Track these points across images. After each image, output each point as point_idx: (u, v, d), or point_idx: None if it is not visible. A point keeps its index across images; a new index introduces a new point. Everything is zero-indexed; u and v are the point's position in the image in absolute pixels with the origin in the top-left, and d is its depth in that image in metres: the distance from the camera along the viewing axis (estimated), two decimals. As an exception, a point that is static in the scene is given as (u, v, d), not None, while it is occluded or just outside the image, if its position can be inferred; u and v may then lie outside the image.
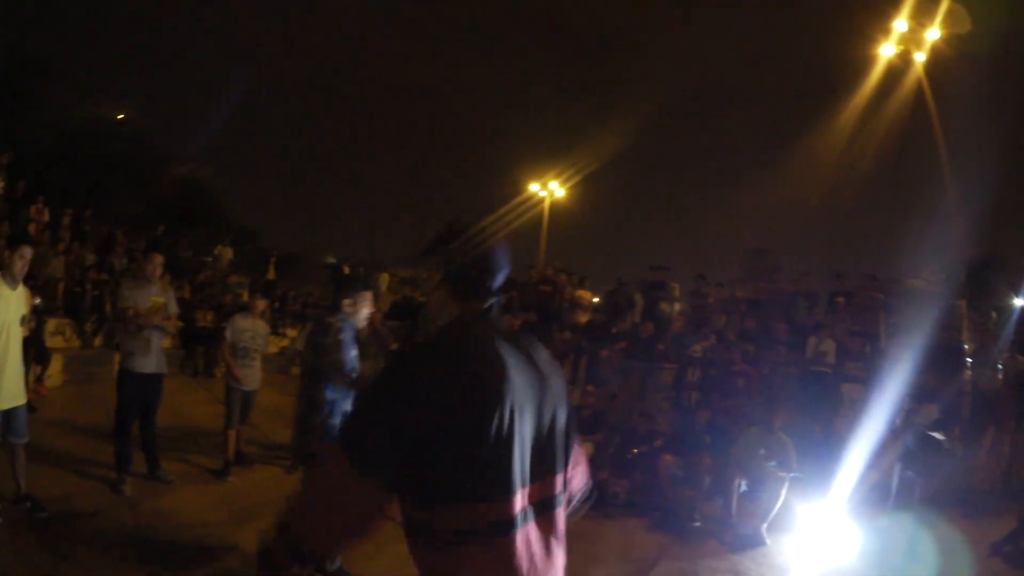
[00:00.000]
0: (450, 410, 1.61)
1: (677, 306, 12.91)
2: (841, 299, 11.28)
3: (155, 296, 6.04)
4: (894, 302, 11.19)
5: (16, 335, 4.93)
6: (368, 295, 5.10)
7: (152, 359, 6.00)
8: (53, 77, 25.12)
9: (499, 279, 1.94)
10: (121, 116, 27.43)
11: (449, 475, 1.61)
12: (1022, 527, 6.59)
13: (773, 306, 11.57)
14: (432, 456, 1.59)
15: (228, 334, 7.06)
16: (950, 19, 16.83)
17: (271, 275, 20.64)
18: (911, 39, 17.35)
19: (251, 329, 7.15)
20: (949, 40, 17.14)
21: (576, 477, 2.05)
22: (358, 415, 1.82)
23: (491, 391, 1.65)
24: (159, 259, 6.23)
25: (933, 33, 16.91)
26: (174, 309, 6.37)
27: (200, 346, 13.18)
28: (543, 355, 1.92)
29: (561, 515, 1.82)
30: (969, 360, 10.09)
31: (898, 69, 18.52)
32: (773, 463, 6.78)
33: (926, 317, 10.07)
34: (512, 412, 1.66)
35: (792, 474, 6.73)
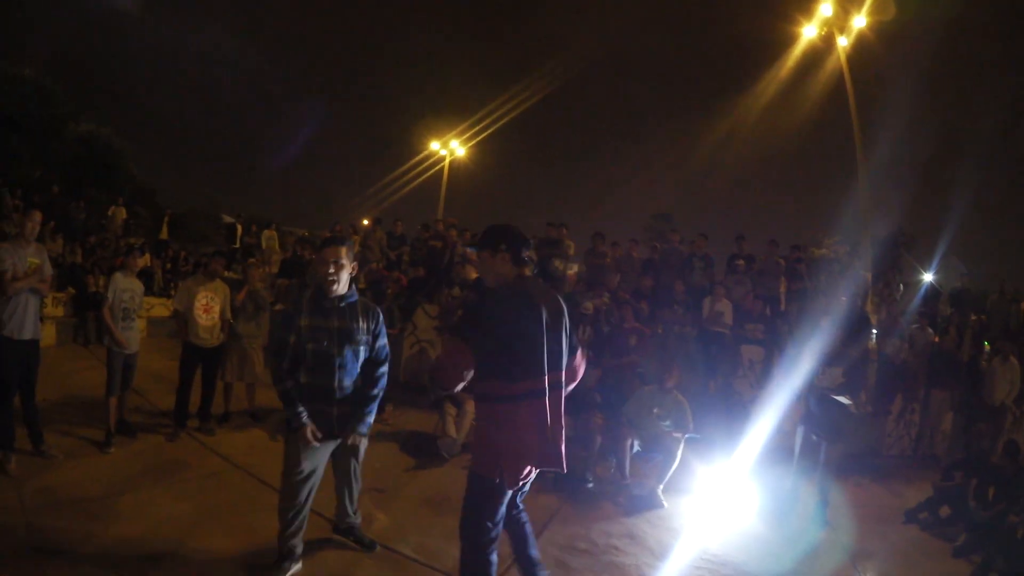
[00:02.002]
0: (516, 320, 3.16)
1: (575, 266, 12.84)
2: (741, 262, 11.34)
3: (31, 257, 5.73)
4: (797, 268, 11.32)
5: None
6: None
7: (29, 324, 5.69)
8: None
9: (529, 252, 3.41)
10: (25, 72, 26.07)
11: (511, 361, 3.14)
12: (937, 495, 6.70)
13: (669, 266, 11.58)
14: (505, 347, 3.14)
15: (109, 294, 6.62)
16: (875, 6, 17.14)
17: (164, 235, 20.17)
18: (835, 23, 17.62)
19: (130, 288, 6.74)
20: (873, 26, 17.48)
21: (576, 373, 3.54)
22: (467, 320, 3.61)
23: (537, 313, 3.19)
24: (38, 216, 5.90)
25: (859, 20, 17.21)
26: (49, 271, 5.96)
27: (92, 311, 12.44)
28: (560, 299, 3.42)
29: (562, 395, 3.35)
30: (875, 329, 10.30)
31: (819, 50, 18.81)
32: (668, 423, 6.69)
33: (830, 285, 10.24)
34: (545, 327, 3.20)
35: (688, 435, 6.66)
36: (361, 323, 4.17)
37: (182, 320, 7.12)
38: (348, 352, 4.09)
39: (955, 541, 6.09)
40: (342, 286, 4.09)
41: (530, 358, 3.14)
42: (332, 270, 4.04)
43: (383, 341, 4.31)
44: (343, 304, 4.12)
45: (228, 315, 7.40)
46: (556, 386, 3.25)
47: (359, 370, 4.18)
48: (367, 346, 4.21)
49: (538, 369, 3.15)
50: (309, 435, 3.98)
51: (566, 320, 3.38)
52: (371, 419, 4.26)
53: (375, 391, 4.27)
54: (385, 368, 4.33)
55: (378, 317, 4.29)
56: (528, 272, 3.36)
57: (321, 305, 4.07)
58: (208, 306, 7.17)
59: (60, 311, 12.51)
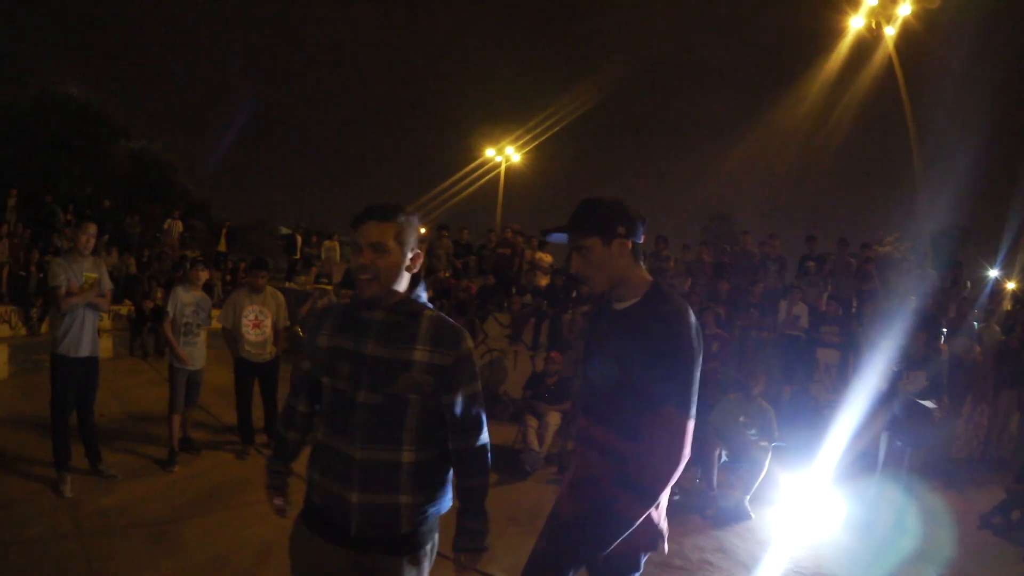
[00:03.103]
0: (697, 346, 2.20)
1: None
2: (812, 263, 11.07)
3: (87, 271, 5.55)
4: (866, 268, 11.05)
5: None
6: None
7: (86, 341, 5.52)
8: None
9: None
10: (72, 92, 26.72)
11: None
12: (1010, 498, 6.46)
13: (741, 269, 11.36)
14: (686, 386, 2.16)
15: (169, 309, 6.52)
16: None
17: (222, 247, 20.10)
18: (881, 12, 17.34)
19: (194, 303, 6.62)
20: (919, 14, 17.16)
21: None
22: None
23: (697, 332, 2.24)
24: (92, 229, 5.68)
25: (904, 9, 16.90)
26: (108, 285, 5.80)
27: (148, 323, 12.55)
28: None
29: None
30: (944, 329, 9.96)
31: (868, 42, 18.57)
32: (753, 431, 6.47)
33: (900, 284, 9.94)
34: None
35: (775, 443, 6.43)
36: (418, 351, 2.16)
37: (230, 337, 6.90)
38: (389, 403, 2.15)
39: (1028, 546, 5.89)
40: (385, 284, 2.17)
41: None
42: (366, 259, 2.16)
43: (469, 393, 2.27)
44: (387, 315, 2.21)
45: (285, 324, 7.20)
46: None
47: (415, 435, 2.18)
48: (427, 395, 2.17)
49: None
50: (274, 505, 2.46)
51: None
52: (479, 538, 2.39)
53: (471, 484, 2.34)
54: (478, 442, 2.31)
55: (458, 346, 2.21)
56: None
57: (352, 316, 2.25)
58: (257, 320, 6.92)
59: (115, 324, 12.68)
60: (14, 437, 6.67)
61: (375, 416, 2.16)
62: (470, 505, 2.36)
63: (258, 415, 7.08)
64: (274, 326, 7.05)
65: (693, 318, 2.19)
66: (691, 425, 2.10)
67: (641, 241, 2.32)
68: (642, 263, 2.33)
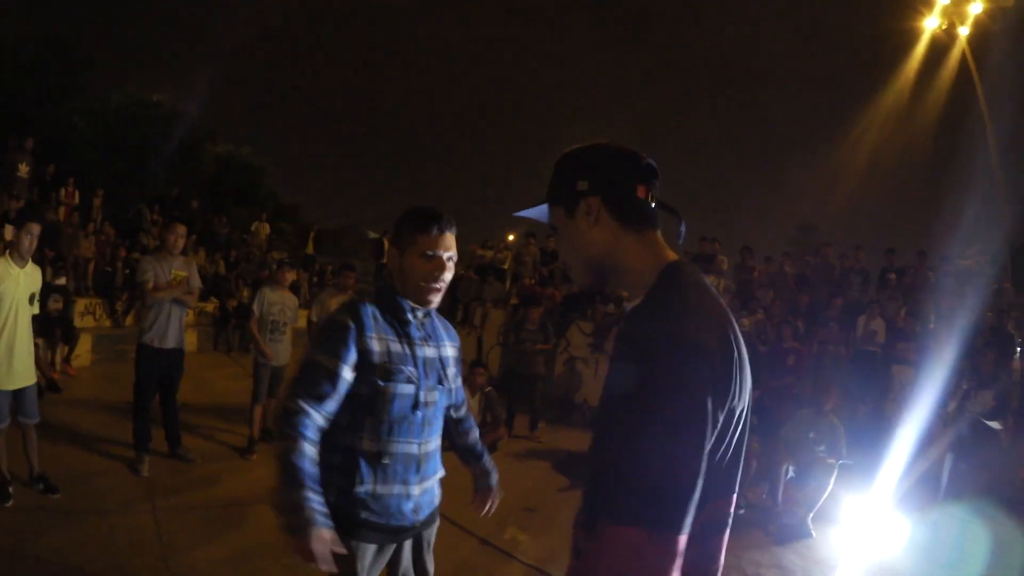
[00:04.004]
0: (694, 380, 1.17)
1: (722, 281, 12.69)
2: (893, 276, 10.90)
3: (177, 269, 5.87)
4: (944, 282, 10.81)
5: (25, 314, 4.72)
6: None
7: (172, 334, 5.84)
8: (87, 64, 25.41)
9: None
10: (157, 98, 27.68)
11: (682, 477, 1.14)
12: None
13: (824, 281, 11.24)
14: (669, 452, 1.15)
15: (256, 307, 6.85)
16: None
17: (310, 250, 20.49)
18: (954, 12, 16.94)
19: (280, 302, 6.93)
20: (992, 13, 16.72)
21: None
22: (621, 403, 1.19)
23: (724, 354, 1.25)
24: (181, 229, 6.01)
25: (975, 7, 16.52)
26: (197, 284, 6.13)
27: (232, 320, 13.15)
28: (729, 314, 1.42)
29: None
30: (1018, 348, 9.71)
31: (943, 43, 18.14)
32: (822, 448, 6.43)
33: (976, 299, 9.71)
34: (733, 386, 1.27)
35: (841, 461, 6.39)
36: (450, 347, 2.48)
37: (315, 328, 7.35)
38: (441, 396, 2.37)
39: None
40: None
41: (725, 462, 1.29)
42: (440, 270, 2.27)
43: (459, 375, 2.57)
44: (428, 316, 2.41)
45: None
46: (715, 529, 1.38)
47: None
48: (455, 385, 2.52)
49: (723, 484, 1.33)
50: (316, 547, 1.93)
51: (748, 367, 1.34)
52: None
53: (474, 436, 2.75)
54: (467, 411, 2.74)
55: (457, 337, 2.59)
56: (663, 243, 1.41)
57: (397, 316, 2.30)
58: None
59: (199, 320, 13.24)
60: (96, 418, 7.05)
61: (432, 412, 2.33)
62: (481, 454, 2.73)
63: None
64: None
65: (719, 333, 1.23)
66: (675, 550, 1.11)
67: (636, 194, 1.38)
68: (648, 227, 1.39)
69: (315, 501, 1.97)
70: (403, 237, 2.28)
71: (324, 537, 1.93)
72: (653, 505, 1.09)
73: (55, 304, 9.30)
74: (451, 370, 2.45)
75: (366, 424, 2.20)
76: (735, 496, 1.40)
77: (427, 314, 2.39)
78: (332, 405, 2.13)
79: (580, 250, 1.42)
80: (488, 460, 2.71)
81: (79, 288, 12.76)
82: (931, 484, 6.92)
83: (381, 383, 2.18)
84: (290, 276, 7.26)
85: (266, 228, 20.12)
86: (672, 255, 1.37)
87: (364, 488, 2.18)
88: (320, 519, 1.95)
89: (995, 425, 6.48)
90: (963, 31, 17.05)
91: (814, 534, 6.05)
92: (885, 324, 9.73)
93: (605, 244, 1.38)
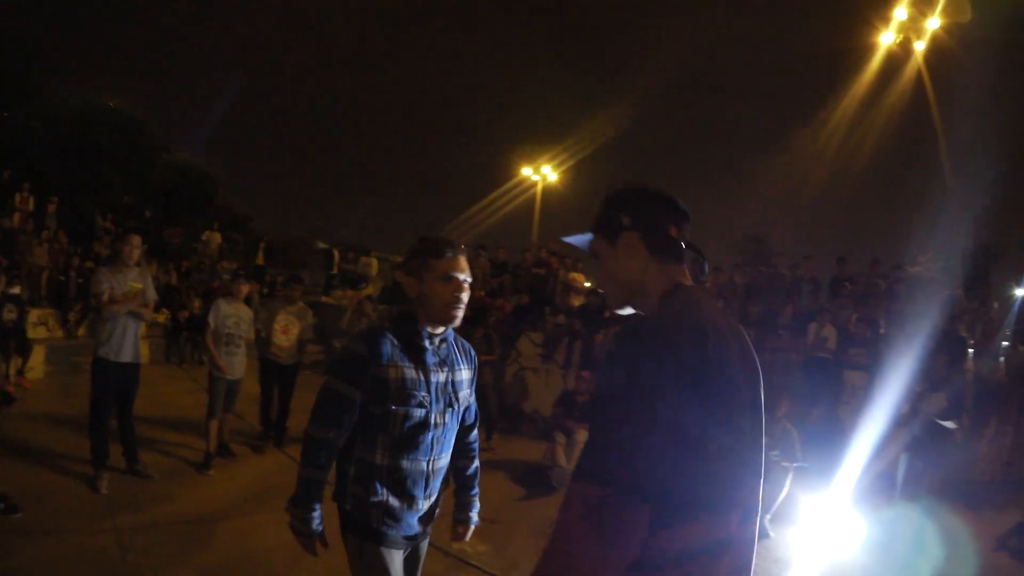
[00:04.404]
0: (694, 388, 1.40)
1: None
2: (848, 284, 11.11)
3: (132, 281, 5.79)
4: (895, 288, 11.05)
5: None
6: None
7: (128, 348, 5.76)
8: (46, 67, 25.19)
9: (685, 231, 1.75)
10: (113, 104, 27.32)
11: (685, 480, 1.37)
12: None
13: (774, 291, 11.41)
14: (671, 451, 1.35)
15: (211, 320, 6.78)
16: (950, 8, 16.75)
17: (260, 260, 20.37)
18: (911, 27, 17.28)
19: (235, 315, 6.86)
20: (949, 29, 17.08)
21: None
22: (606, 402, 1.48)
23: (729, 366, 1.50)
24: (136, 240, 5.94)
25: (933, 22, 16.86)
26: (152, 296, 6.05)
27: (186, 332, 12.91)
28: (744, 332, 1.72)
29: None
30: (971, 350, 9.96)
31: (898, 58, 18.50)
32: (776, 452, 6.55)
33: (927, 305, 9.95)
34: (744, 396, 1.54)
35: (797, 464, 6.51)
36: (465, 371, 2.60)
37: (261, 339, 7.50)
38: (451, 418, 2.51)
39: (1044, 568, 5.92)
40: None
41: (713, 466, 1.39)
42: (460, 291, 2.43)
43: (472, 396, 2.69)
44: (444, 343, 2.53)
45: (308, 337, 7.79)
46: (751, 514, 1.49)
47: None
48: (465, 407, 2.64)
49: (728, 487, 1.44)
50: (312, 548, 2.46)
51: (760, 374, 1.60)
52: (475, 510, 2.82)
53: (474, 466, 2.81)
54: (475, 432, 2.81)
55: (475, 360, 2.70)
56: (688, 276, 1.66)
57: (413, 343, 2.43)
58: (286, 328, 7.48)
59: (151, 331, 13.00)
60: (52, 433, 6.94)
61: (442, 432, 2.49)
62: (472, 484, 2.79)
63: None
64: (300, 337, 7.57)
65: (704, 344, 1.41)
66: (633, 514, 1.30)
67: (668, 232, 1.63)
68: (676, 264, 1.64)
69: (319, 516, 2.39)
70: (419, 264, 2.44)
71: (319, 542, 2.42)
72: (627, 475, 1.30)
73: (9, 314, 9.12)
74: (463, 393, 2.57)
75: (379, 440, 2.38)
76: (762, 479, 1.53)
77: (443, 340, 2.52)
78: (345, 427, 2.37)
79: (617, 275, 1.66)
80: (475, 493, 2.79)
81: (32, 298, 12.53)
82: (887, 483, 7.05)
83: (394, 407, 2.34)
84: (245, 288, 7.21)
85: (218, 238, 20.06)
86: (688, 282, 1.62)
87: (378, 499, 2.36)
88: (319, 529, 2.39)
89: (950, 425, 6.65)
90: (919, 46, 17.40)
91: (772, 534, 6.16)
92: (836, 331, 9.88)
93: (638, 272, 1.62)
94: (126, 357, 5.73)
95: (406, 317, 2.47)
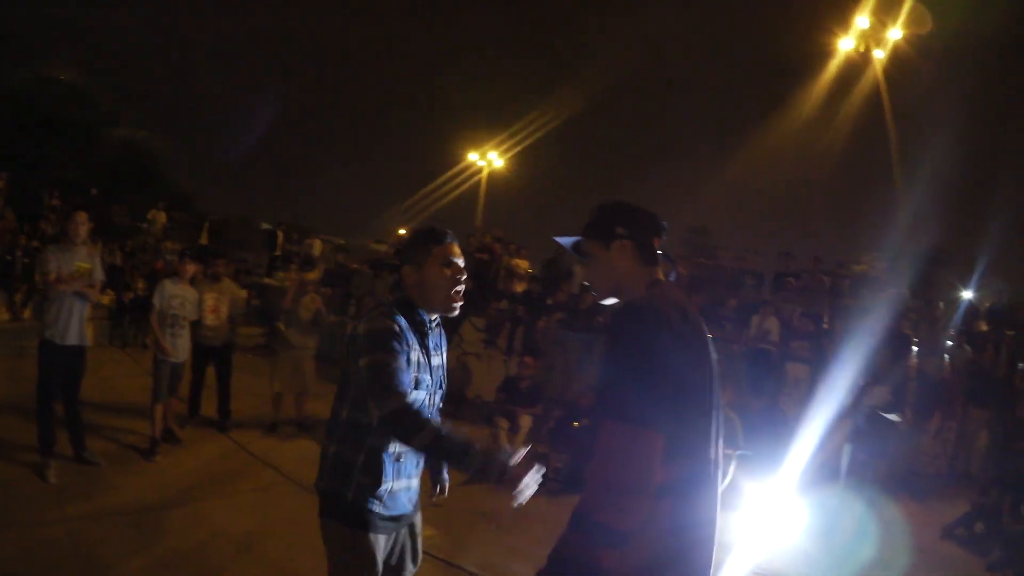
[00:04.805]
0: (671, 358, 1.84)
1: None
2: (791, 280, 11.32)
3: (80, 261, 5.64)
4: (839, 285, 11.29)
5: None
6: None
7: (74, 330, 5.60)
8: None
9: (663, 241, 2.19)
10: (63, 76, 26.62)
11: (666, 430, 1.78)
12: (975, 510, 6.71)
13: (718, 283, 11.56)
14: (660, 407, 1.77)
15: (156, 301, 6.64)
16: (912, 18, 17.05)
17: (204, 240, 20.13)
18: (871, 36, 17.55)
19: (181, 295, 6.73)
20: (909, 39, 17.37)
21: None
22: (617, 369, 1.84)
23: (697, 343, 1.99)
24: (82, 217, 5.76)
25: (895, 32, 17.12)
26: (99, 276, 5.92)
27: (129, 315, 12.59)
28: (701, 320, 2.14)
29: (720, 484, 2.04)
30: (915, 347, 10.21)
31: (855, 64, 18.76)
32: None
33: (873, 302, 10.18)
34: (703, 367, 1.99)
35: (739, 452, 6.64)
36: (445, 354, 2.75)
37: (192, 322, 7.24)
38: (439, 400, 2.67)
39: (989, 556, 6.12)
40: None
41: (696, 414, 1.85)
42: (460, 274, 2.54)
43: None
44: (438, 327, 2.67)
45: (236, 313, 7.70)
46: (718, 465, 1.94)
47: None
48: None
49: (705, 435, 1.88)
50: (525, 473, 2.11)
51: (714, 354, 2.04)
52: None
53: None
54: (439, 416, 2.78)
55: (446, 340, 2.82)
56: (664, 275, 2.12)
57: (419, 329, 2.52)
58: (215, 307, 7.34)
59: (95, 313, 12.68)
60: (-3, 420, 6.74)
61: (432, 412, 2.58)
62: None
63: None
64: (230, 314, 7.49)
65: (677, 325, 1.85)
66: (651, 438, 1.69)
67: (652, 242, 2.09)
68: (655, 266, 2.09)
69: (481, 449, 2.12)
70: (419, 252, 2.51)
71: (523, 464, 2.09)
72: (638, 412, 1.71)
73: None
74: (443, 375, 2.69)
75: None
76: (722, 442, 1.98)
77: (438, 325, 2.63)
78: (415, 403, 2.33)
79: (609, 274, 2.10)
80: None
81: (-23, 279, 12.17)
82: (831, 473, 7.22)
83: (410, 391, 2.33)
84: (191, 268, 7.03)
85: (163, 217, 19.76)
86: (656, 277, 2.06)
87: (385, 487, 2.39)
88: (505, 452, 2.12)
89: (893, 417, 6.83)
90: (878, 54, 17.68)
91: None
92: (779, 323, 10.06)
93: (627, 272, 2.06)
94: (72, 340, 5.58)
95: (405, 303, 2.51)
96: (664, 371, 1.75)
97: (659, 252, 2.10)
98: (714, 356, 2.02)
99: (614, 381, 1.80)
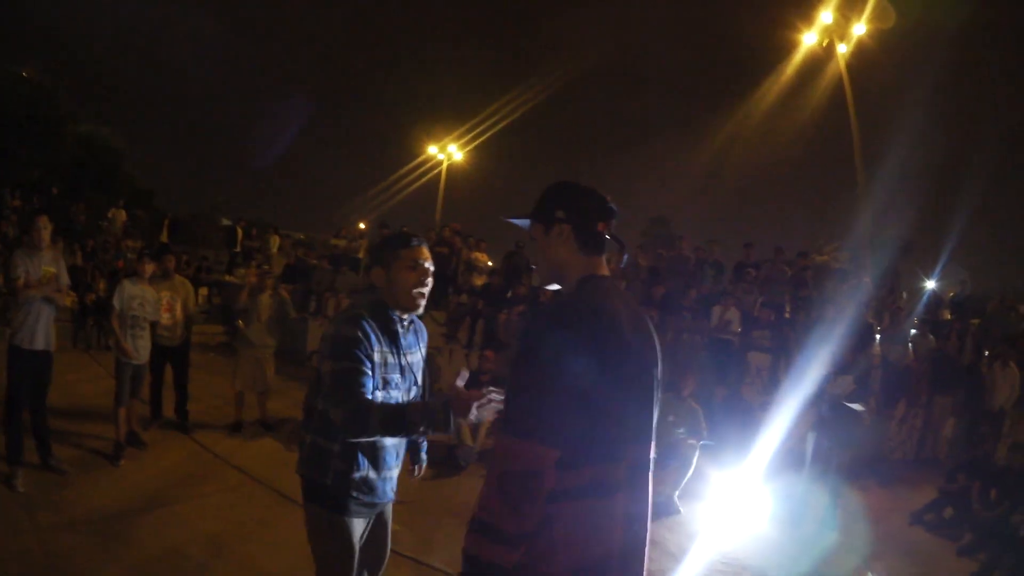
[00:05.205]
0: (587, 360, 1.77)
1: None
2: (752, 271, 11.45)
3: (46, 265, 5.56)
4: (803, 276, 11.43)
5: None
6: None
7: (41, 335, 5.52)
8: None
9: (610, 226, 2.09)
10: (25, 73, 26.08)
11: (576, 431, 1.77)
12: (942, 496, 6.82)
13: (677, 273, 11.63)
14: (566, 407, 1.75)
15: (116, 302, 6.53)
16: (875, 13, 17.25)
17: (164, 238, 19.85)
18: (835, 30, 17.74)
19: (140, 296, 6.63)
20: (872, 33, 17.59)
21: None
22: (521, 366, 1.83)
23: (621, 346, 1.87)
24: (44, 222, 5.63)
25: (859, 28, 17.33)
26: (65, 280, 5.82)
27: (92, 317, 12.34)
28: (646, 317, 2.12)
29: (649, 482, 2.03)
30: (878, 336, 10.38)
31: (819, 56, 18.96)
32: (682, 430, 6.73)
33: (835, 292, 10.33)
34: (633, 368, 1.92)
35: (703, 441, 6.70)
36: (422, 350, 2.91)
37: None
38: (415, 395, 2.81)
39: (959, 541, 6.25)
40: None
41: (605, 424, 1.79)
42: (425, 276, 2.69)
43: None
44: (412, 325, 2.82)
45: (192, 310, 7.60)
46: (642, 468, 1.94)
47: None
48: (422, 380, 2.90)
49: (617, 443, 1.84)
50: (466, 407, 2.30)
51: (657, 355, 2.02)
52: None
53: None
54: None
55: (426, 337, 2.99)
56: (606, 266, 2.03)
57: (388, 328, 2.66)
58: (169, 305, 7.19)
59: (59, 316, 12.41)
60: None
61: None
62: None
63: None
64: (184, 311, 7.36)
65: (609, 321, 1.82)
66: (543, 454, 1.69)
67: (597, 227, 1.98)
68: (597, 255, 2.00)
69: (425, 414, 2.31)
70: (387, 255, 2.67)
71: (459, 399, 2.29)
72: (535, 428, 1.70)
73: None
74: (421, 370, 2.86)
75: None
76: (652, 443, 1.99)
77: (411, 323, 2.80)
78: (374, 407, 2.39)
79: (547, 258, 2.01)
80: (423, 440, 3.09)
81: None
82: (796, 462, 7.32)
83: (377, 392, 2.54)
84: (150, 268, 6.93)
85: (123, 215, 19.47)
86: (603, 272, 1.98)
87: (359, 474, 2.59)
88: (440, 402, 2.31)
89: (857, 407, 6.93)
90: (842, 48, 17.86)
91: (682, 510, 6.39)
92: (740, 314, 10.16)
93: (564, 258, 1.98)
94: (39, 345, 5.50)
95: (377, 304, 2.67)
96: (571, 381, 1.72)
97: (607, 237, 2.01)
98: (654, 353, 1.98)
99: (517, 392, 1.78)
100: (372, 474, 2.63)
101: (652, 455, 1.99)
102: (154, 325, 6.95)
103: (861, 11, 17.32)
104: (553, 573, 1.77)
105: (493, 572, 1.72)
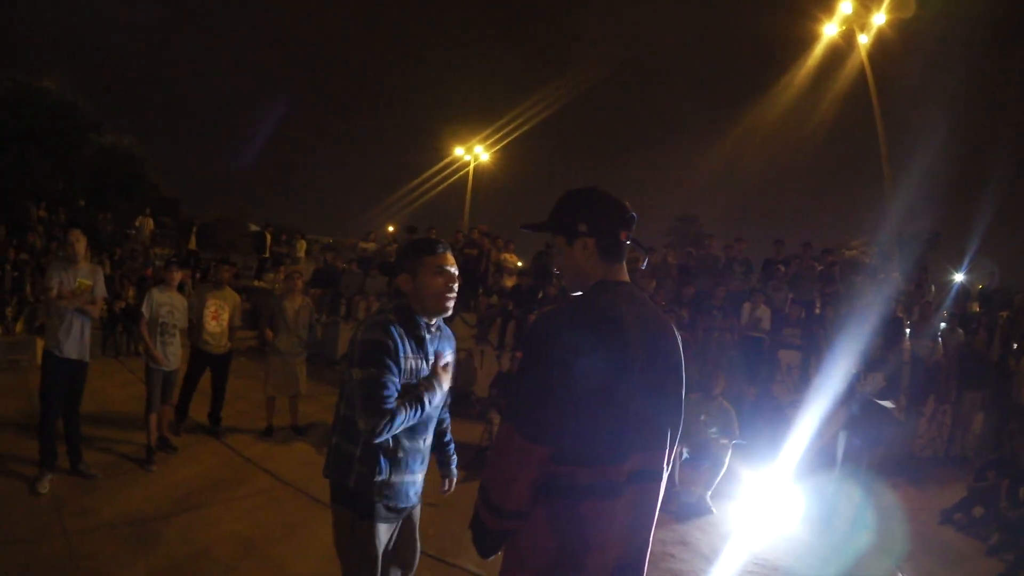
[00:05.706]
0: (587, 362, 1.81)
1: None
2: (781, 267, 11.34)
3: (82, 277, 5.64)
4: (831, 272, 11.31)
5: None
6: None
7: (74, 345, 5.59)
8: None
9: (629, 234, 2.11)
10: (48, 85, 26.35)
11: (577, 430, 1.82)
12: (972, 495, 6.69)
13: (706, 271, 11.56)
14: (567, 408, 1.81)
15: (145, 310, 6.62)
16: (895, 2, 17.06)
17: (192, 245, 19.96)
18: (855, 20, 17.57)
19: (169, 303, 6.72)
20: (893, 23, 17.41)
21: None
22: (525, 368, 1.93)
23: (620, 350, 1.87)
24: (76, 235, 5.72)
25: (879, 18, 17.15)
26: (101, 292, 5.89)
27: (121, 324, 12.52)
28: (672, 326, 2.17)
29: (659, 491, 2.03)
30: (908, 331, 10.25)
31: (841, 49, 18.80)
32: (714, 430, 6.68)
33: (864, 287, 10.20)
34: (637, 373, 1.90)
35: (735, 441, 6.64)
36: (449, 355, 2.90)
37: (192, 327, 7.26)
38: (440, 399, 2.81)
39: (988, 540, 6.13)
40: None
41: (602, 426, 1.81)
42: (452, 281, 2.74)
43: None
44: (439, 331, 2.86)
45: (237, 323, 7.60)
46: (646, 477, 1.93)
47: None
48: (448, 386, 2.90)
49: (616, 445, 1.84)
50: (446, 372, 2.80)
51: (679, 362, 2.05)
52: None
53: (448, 433, 3.19)
54: (447, 414, 3.17)
55: (454, 340, 3.02)
56: (626, 271, 2.05)
57: (415, 334, 2.71)
58: (216, 313, 7.31)
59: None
60: (-7, 436, 6.68)
61: (435, 413, 2.83)
62: (449, 444, 3.19)
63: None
64: (230, 321, 7.41)
65: (611, 325, 1.84)
66: (529, 449, 1.78)
67: (619, 237, 1.99)
68: (618, 262, 2.02)
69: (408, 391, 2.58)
70: (412, 262, 2.72)
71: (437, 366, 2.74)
72: (527, 422, 1.78)
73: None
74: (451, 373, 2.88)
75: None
76: (665, 452, 1.97)
77: (438, 328, 2.84)
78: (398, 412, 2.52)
79: (573, 270, 2.03)
80: (452, 450, 3.19)
81: (-33, 293, 12.05)
82: (827, 461, 7.23)
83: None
84: (178, 275, 7.05)
85: (150, 223, 19.53)
86: (621, 278, 2.01)
87: (381, 478, 2.62)
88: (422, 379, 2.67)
89: (887, 404, 6.84)
90: (863, 39, 17.70)
91: (714, 511, 6.33)
92: (771, 311, 10.10)
93: (587, 268, 1.99)
94: (72, 354, 5.57)
95: (404, 310, 2.71)
96: (571, 385, 1.77)
97: (628, 242, 2.03)
98: (670, 359, 2.01)
99: (519, 390, 1.89)
100: (395, 478, 2.68)
101: (666, 466, 2.00)
102: (199, 331, 7.10)
103: (880, 1, 17.14)
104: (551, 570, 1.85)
105: (484, 530, 1.91)
